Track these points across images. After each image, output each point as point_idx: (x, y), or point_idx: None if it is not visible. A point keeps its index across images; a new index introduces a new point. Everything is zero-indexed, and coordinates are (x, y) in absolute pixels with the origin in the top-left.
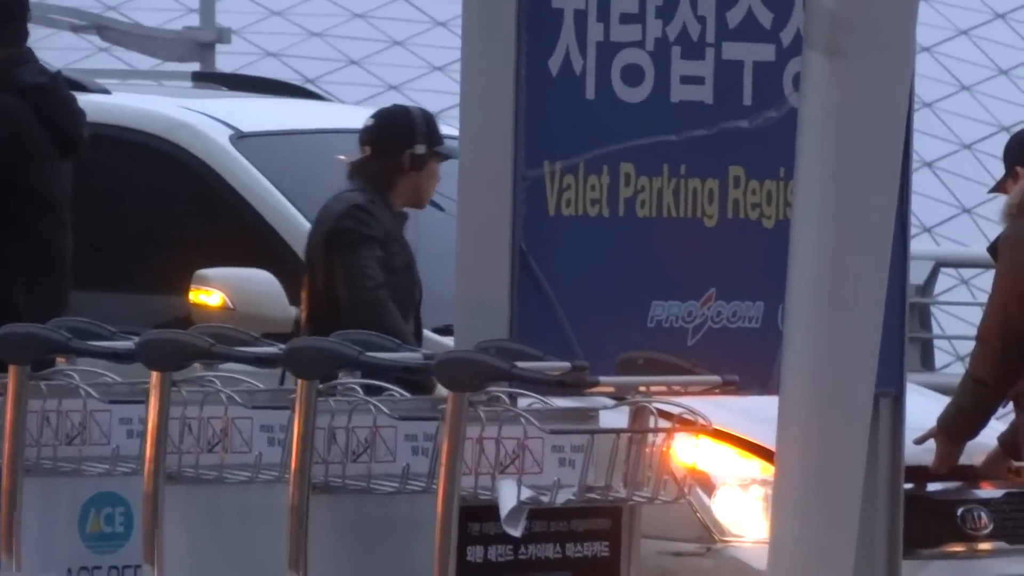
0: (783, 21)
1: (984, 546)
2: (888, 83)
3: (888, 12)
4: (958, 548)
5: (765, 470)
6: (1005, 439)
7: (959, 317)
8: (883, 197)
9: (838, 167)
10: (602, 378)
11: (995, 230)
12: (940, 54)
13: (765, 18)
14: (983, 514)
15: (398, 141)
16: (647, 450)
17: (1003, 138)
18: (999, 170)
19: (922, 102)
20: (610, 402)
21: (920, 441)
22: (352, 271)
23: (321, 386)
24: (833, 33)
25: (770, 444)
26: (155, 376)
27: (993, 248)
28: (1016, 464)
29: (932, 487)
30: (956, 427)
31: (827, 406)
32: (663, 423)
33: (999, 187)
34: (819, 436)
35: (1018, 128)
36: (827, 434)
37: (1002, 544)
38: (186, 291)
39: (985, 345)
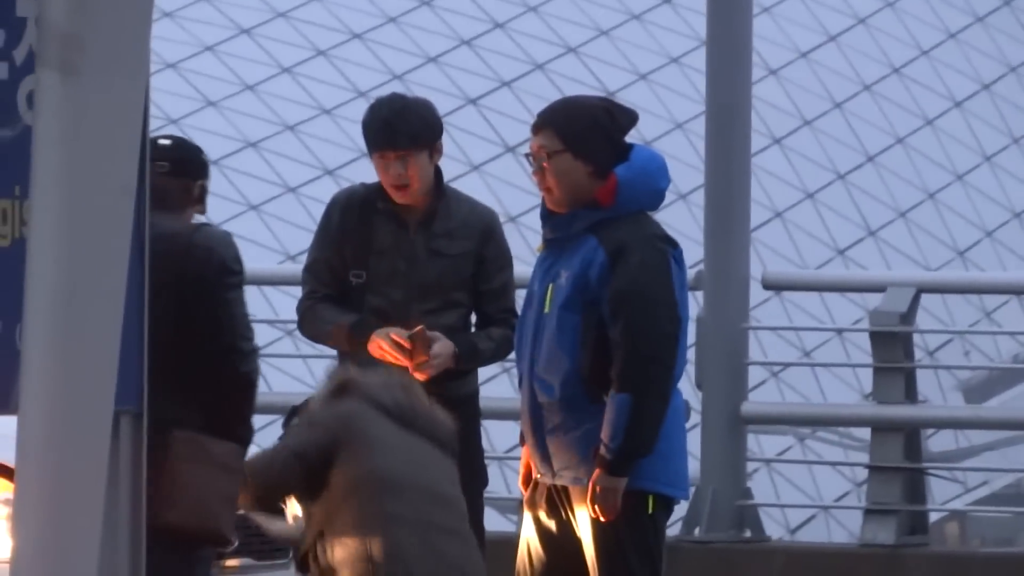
0: (16, 39)
1: (231, 563)
2: (123, 100)
3: (122, 30)
4: None
5: (7, 489)
6: None
7: None
8: (119, 215)
9: (73, 185)
10: None
11: None
12: (185, 70)
13: None
14: None
15: None
16: None
17: (250, 154)
18: (249, 185)
19: (168, 119)
20: None
21: None
22: None
23: None
24: (65, 51)
25: (12, 463)
26: None
27: None
28: None
29: None
30: None
31: (66, 424)
32: None
33: None
34: (59, 454)
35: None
36: (67, 452)
37: (248, 560)
38: None
39: None
